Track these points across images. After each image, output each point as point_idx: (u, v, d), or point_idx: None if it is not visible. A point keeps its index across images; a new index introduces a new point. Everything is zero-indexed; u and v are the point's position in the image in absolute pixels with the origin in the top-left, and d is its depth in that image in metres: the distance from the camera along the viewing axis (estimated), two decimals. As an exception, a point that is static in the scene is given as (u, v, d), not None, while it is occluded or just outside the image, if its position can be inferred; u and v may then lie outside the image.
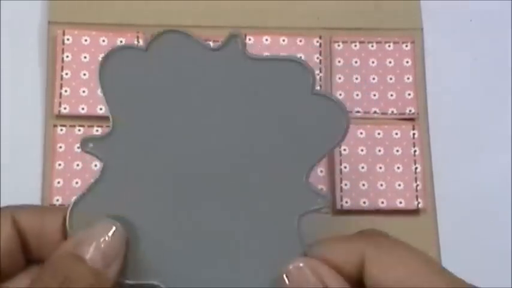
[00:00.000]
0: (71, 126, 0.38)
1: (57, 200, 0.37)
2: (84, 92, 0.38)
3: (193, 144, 0.28)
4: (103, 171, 0.28)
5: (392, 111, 0.39)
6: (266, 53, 0.39)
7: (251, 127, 0.28)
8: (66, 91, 0.38)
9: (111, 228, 0.27)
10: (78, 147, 0.37)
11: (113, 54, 0.28)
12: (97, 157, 0.28)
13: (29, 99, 0.39)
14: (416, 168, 0.39)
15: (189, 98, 0.28)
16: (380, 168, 0.39)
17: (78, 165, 0.37)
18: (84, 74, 0.38)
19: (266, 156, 0.28)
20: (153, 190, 0.28)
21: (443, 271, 0.26)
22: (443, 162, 0.40)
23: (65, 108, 0.38)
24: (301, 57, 0.28)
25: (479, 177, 0.40)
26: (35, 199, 0.37)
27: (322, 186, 0.38)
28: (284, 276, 0.27)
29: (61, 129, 0.38)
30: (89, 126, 0.38)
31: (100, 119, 0.38)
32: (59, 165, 0.37)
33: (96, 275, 0.26)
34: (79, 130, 0.38)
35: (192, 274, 0.28)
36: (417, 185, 0.38)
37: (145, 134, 0.28)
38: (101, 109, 0.38)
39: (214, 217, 0.28)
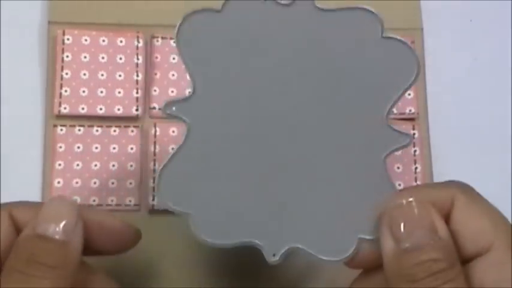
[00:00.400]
0: (71, 126, 0.38)
1: (57, 200, 0.37)
2: (84, 92, 0.38)
3: (272, 99, 0.29)
4: (188, 132, 0.29)
5: (392, 111, 0.39)
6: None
7: (327, 76, 0.29)
8: (66, 91, 0.38)
9: (63, 201, 0.28)
10: (78, 148, 0.38)
11: (188, 18, 0.29)
12: (181, 119, 0.29)
13: (29, 99, 0.39)
14: (416, 168, 0.39)
15: (265, 54, 0.29)
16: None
17: (78, 165, 0.37)
18: (84, 74, 0.38)
19: (344, 102, 0.29)
20: (237, 150, 0.29)
21: None
22: (443, 162, 0.40)
23: (65, 108, 0.38)
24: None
25: (479, 177, 0.40)
26: (35, 199, 0.37)
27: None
28: (398, 212, 0.27)
29: (61, 129, 0.38)
30: (89, 126, 0.38)
31: (100, 118, 0.38)
32: (59, 165, 0.37)
33: (60, 247, 0.27)
34: (79, 130, 0.38)
35: (283, 231, 0.29)
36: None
37: (225, 93, 0.29)
38: (101, 109, 0.38)
39: (300, 170, 0.29)
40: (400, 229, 0.26)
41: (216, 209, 0.29)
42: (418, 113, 0.40)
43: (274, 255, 0.29)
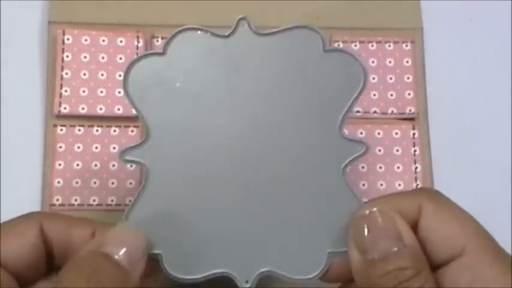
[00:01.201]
0: (71, 126, 0.38)
1: (57, 200, 0.37)
2: (84, 91, 0.38)
3: (228, 130, 0.30)
4: (147, 176, 0.29)
5: (393, 111, 0.39)
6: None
7: (278, 97, 0.30)
8: (66, 91, 0.38)
9: (135, 231, 0.28)
10: (78, 147, 0.38)
11: (132, 66, 0.30)
12: (139, 164, 0.30)
13: (29, 99, 0.39)
14: (416, 168, 0.39)
15: (214, 88, 0.30)
16: (380, 168, 0.39)
17: (78, 165, 0.37)
18: (84, 74, 0.38)
19: (298, 120, 0.30)
20: (198, 183, 0.30)
21: (492, 239, 0.27)
22: (443, 161, 0.40)
23: (65, 108, 0.38)
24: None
25: (479, 177, 0.40)
26: (35, 198, 0.37)
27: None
28: (361, 223, 0.27)
29: (61, 129, 0.38)
30: (89, 126, 0.38)
31: (100, 118, 0.38)
32: (59, 165, 0.37)
33: (123, 273, 0.26)
34: (79, 130, 0.38)
35: (253, 257, 0.29)
36: (417, 185, 0.38)
37: (180, 132, 0.30)
38: (101, 109, 0.38)
39: (264, 194, 0.29)
40: (364, 240, 0.26)
41: (184, 245, 0.29)
42: (418, 113, 0.40)
43: (247, 281, 0.29)
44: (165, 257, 0.29)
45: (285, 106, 0.30)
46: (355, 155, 0.29)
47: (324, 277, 0.29)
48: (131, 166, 0.36)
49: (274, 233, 0.29)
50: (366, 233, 0.26)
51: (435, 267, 0.27)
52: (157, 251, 0.29)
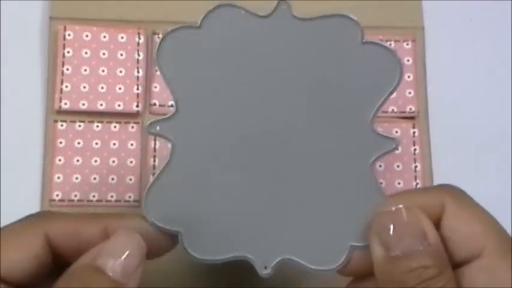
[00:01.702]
0: (71, 121, 0.38)
1: (57, 195, 0.37)
2: (84, 87, 0.38)
3: (258, 112, 0.29)
4: (172, 151, 0.29)
5: (393, 110, 0.39)
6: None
7: (311, 84, 0.29)
8: (66, 87, 0.38)
9: (131, 240, 0.27)
10: (79, 143, 0.38)
11: (167, 37, 0.29)
12: (165, 138, 0.29)
13: (29, 95, 0.39)
14: (416, 166, 0.39)
15: (247, 68, 0.29)
16: (380, 166, 0.39)
17: (78, 160, 0.37)
18: (85, 70, 0.38)
19: (329, 109, 0.29)
20: (223, 163, 0.29)
21: None
22: (443, 160, 0.40)
23: (65, 104, 0.38)
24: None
25: (479, 176, 0.40)
26: (35, 194, 0.37)
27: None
28: (387, 219, 0.26)
29: (61, 125, 0.38)
30: (89, 122, 0.38)
31: (100, 114, 0.38)
32: (59, 160, 0.37)
33: (115, 286, 0.26)
34: (79, 126, 0.38)
35: (273, 243, 0.29)
36: (417, 184, 0.38)
37: (209, 109, 0.29)
38: (101, 105, 0.38)
39: (289, 181, 0.29)
40: (389, 236, 0.26)
41: (205, 225, 0.29)
42: (418, 112, 0.40)
43: (265, 267, 0.29)
44: (185, 235, 0.28)
45: (318, 94, 0.29)
46: (384, 150, 0.29)
47: (342, 270, 0.29)
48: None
49: (297, 221, 0.29)
50: (391, 230, 0.26)
51: (454, 266, 0.26)
52: (177, 229, 0.28)
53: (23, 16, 0.40)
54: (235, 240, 0.29)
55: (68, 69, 0.38)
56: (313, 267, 0.29)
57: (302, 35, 0.29)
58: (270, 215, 0.29)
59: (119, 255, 0.26)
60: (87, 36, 0.39)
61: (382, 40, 0.40)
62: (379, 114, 0.39)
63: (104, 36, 0.39)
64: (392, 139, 0.29)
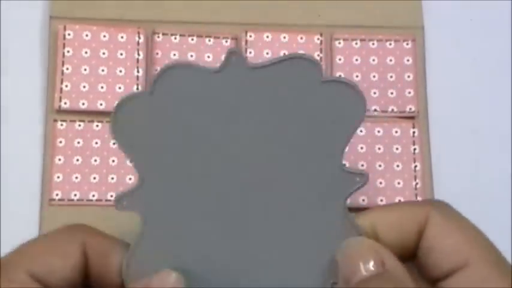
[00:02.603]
0: (71, 121, 0.38)
1: (57, 195, 0.37)
2: (84, 87, 0.38)
3: (224, 167, 0.28)
4: (145, 222, 0.28)
5: (393, 109, 0.39)
6: (267, 52, 0.39)
7: (275, 132, 0.28)
8: (66, 86, 0.38)
9: (170, 277, 0.27)
10: (78, 143, 0.38)
11: (120, 108, 0.28)
12: (134, 211, 0.28)
13: (29, 94, 0.39)
14: (415, 166, 0.39)
15: (206, 127, 0.28)
16: (379, 166, 0.39)
17: (78, 160, 0.37)
18: (85, 69, 0.38)
19: (298, 153, 0.28)
20: (196, 225, 0.28)
21: (497, 251, 0.27)
22: (443, 160, 0.40)
23: (65, 103, 0.38)
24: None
25: (479, 176, 0.40)
26: (35, 193, 0.37)
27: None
28: (338, 256, 0.27)
29: (61, 124, 0.38)
30: (89, 121, 0.38)
31: (100, 114, 0.38)
32: (59, 160, 0.37)
33: None
34: (79, 125, 0.38)
35: (254, 286, 0.29)
36: (416, 183, 0.38)
37: (174, 175, 0.28)
38: (101, 104, 0.38)
39: (265, 228, 0.29)
40: (347, 269, 0.26)
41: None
42: (418, 111, 0.40)
43: None
44: None
45: (283, 140, 0.28)
46: (356, 186, 0.28)
47: None
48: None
49: (277, 265, 0.29)
50: (348, 262, 0.26)
51: (439, 278, 0.27)
52: None
53: (23, 16, 0.40)
54: None
55: (67, 69, 0.38)
56: None
57: (259, 84, 0.28)
58: (250, 271, 0.29)
59: None
60: (87, 35, 0.39)
61: (381, 40, 0.40)
62: (379, 114, 0.39)
63: (104, 36, 0.39)
64: (362, 174, 0.28)
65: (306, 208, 0.28)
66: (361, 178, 0.28)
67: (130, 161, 0.28)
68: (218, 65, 0.28)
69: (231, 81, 0.28)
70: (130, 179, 0.37)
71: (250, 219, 0.28)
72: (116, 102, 0.28)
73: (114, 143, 0.28)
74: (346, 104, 0.28)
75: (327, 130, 0.28)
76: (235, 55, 0.28)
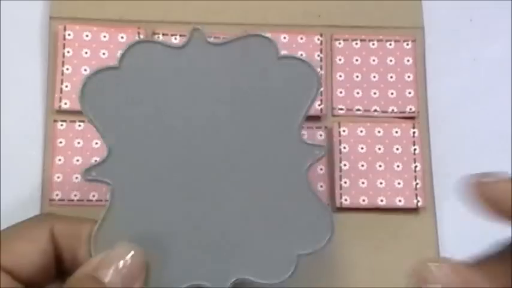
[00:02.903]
0: (71, 121, 0.38)
1: (57, 195, 0.37)
2: (84, 87, 0.38)
3: (188, 139, 0.30)
4: (113, 194, 0.29)
5: (393, 110, 0.39)
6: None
7: (235, 106, 0.30)
8: (66, 86, 0.38)
9: (129, 251, 0.27)
10: (78, 143, 0.38)
11: (88, 81, 0.29)
12: (102, 182, 0.29)
13: (29, 94, 0.39)
14: (416, 166, 0.39)
15: (171, 100, 0.30)
16: (380, 166, 0.39)
17: (78, 160, 0.37)
18: (85, 70, 0.38)
19: (257, 127, 0.30)
20: (163, 196, 0.30)
21: None
22: (443, 161, 0.40)
23: (65, 104, 0.38)
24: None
25: (479, 176, 0.40)
26: (35, 193, 0.37)
27: (322, 184, 0.38)
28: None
29: (61, 125, 0.38)
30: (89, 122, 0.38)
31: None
32: (59, 160, 0.37)
33: None
34: (79, 125, 0.38)
35: (225, 266, 0.30)
36: (417, 184, 0.38)
37: (140, 146, 0.30)
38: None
39: (230, 202, 0.30)
40: None
41: (157, 259, 0.29)
42: (418, 112, 0.40)
43: None
44: None
45: (243, 114, 0.30)
46: (314, 157, 0.30)
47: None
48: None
49: (244, 241, 0.30)
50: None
51: None
52: None
53: (23, 16, 0.40)
54: (188, 270, 0.29)
55: (68, 69, 0.38)
56: (265, 281, 0.30)
57: (220, 60, 0.30)
58: (217, 239, 0.30)
59: (118, 266, 0.27)
60: (87, 36, 0.39)
61: (381, 40, 0.40)
62: (380, 114, 0.39)
63: (104, 36, 0.39)
64: (320, 146, 0.30)
65: (269, 180, 0.30)
66: (320, 150, 0.30)
67: (99, 133, 0.29)
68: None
69: (193, 56, 0.30)
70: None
71: (214, 192, 0.30)
72: (85, 76, 0.29)
73: (84, 117, 0.29)
74: (301, 79, 0.30)
75: (284, 104, 0.30)
76: (197, 32, 0.30)
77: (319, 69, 0.39)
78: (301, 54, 0.39)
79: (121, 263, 0.27)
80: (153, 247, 0.29)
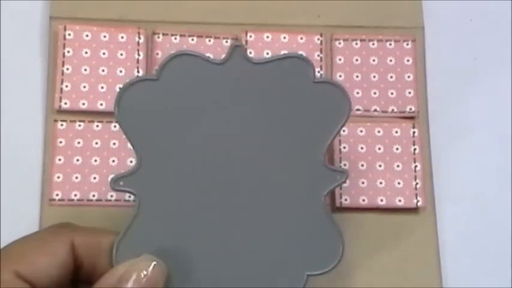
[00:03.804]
0: (71, 121, 0.38)
1: (57, 195, 0.37)
2: (84, 87, 0.38)
3: (218, 158, 0.30)
4: (139, 205, 0.30)
5: (393, 110, 0.39)
6: (267, 52, 0.39)
7: (266, 125, 0.31)
8: (67, 86, 0.38)
9: (151, 263, 0.28)
10: (78, 143, 0.38)
11: (126, 91, 0.29)
12: (130, 193, 0.30)
13: (29, 94, 0.39)
14: (416, 166, 0.39)
15: (206, 114, 0.30)
16: (380, 166, 0.39)
17: (78, 160, 0.37)
18: (85, 70, 0.38)
19: (284, 148, 0.31)
20: (186, 211, 0.30)
21: None
22: (443, 160, 0.40)
23: (65, 103, 0.38)
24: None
25: (479, 176, 0.40)
26: (35, 193, 0.37)
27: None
28: None
29: (61, 124, 0.38)
30: (89, 122, 0.38)
31: (100, 114, 0.38)
32: (59, 160, 0.37)
33: None
34: (79, 125, 0.38)
35: (240, 280, 0.30)
36: (416, 184, 0.38)
37: (171, 161, 0.30)
38: (101, 104, 0.38)
39: (251, 221, 0.30)
40: None
41: (176, 274, 0.29)
42: (418, 112, 0.40)
43: None
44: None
45: (272, 133, 0.30)
46: (335, 183, 0.31)
47: None
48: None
49: (257, 258, 0.30)
50: None
51: None
52: None
53: (23, 16, 0.40)
54: (206, 281, 0.30)
55: (68, 69, 0.38)
56: None
57: (257, 78, 0.30)
58: (234, 256, 0.30)
59: (139, 278, 0.27)
60: (87, 35, 0.39)
61: (381, 40, 0.40)
62: (380, 114, 0.39)
63: (104, 36, 0.39)
64: (342, 172, 0.31)
65: (288, 201, 0.30)
66: (341, 176, 0.31)
67: (131, 144, 0.30)
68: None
69: (232, 73, 0.30)
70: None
71: (236, 208, 0.30)
72: (121, 84, 0.29)
73: (116, 126, 0.30)
74: (333, 104, 0.30)
75: (313, 127, 0.31)
76: (238, 49, 0.30)
77: (319, 69, 0.39)
78: (301, 54, 0.39)
79: (142, 274, 0.27)
80: (175, 259, 0.29)
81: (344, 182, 0.31)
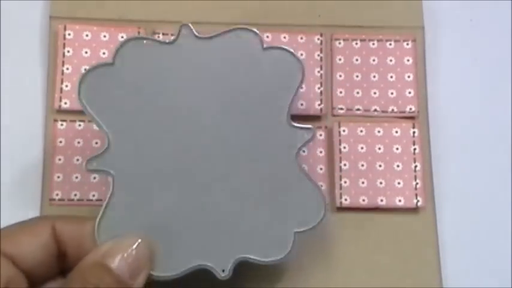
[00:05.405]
0: (71, 121, 0.38)
1: (57, 195, 0.37)
2: (84, 87, 0.38)
3: (183, 131, 0.32)
4: (114, 183, 0.31)
5: (393, 110, 0.39)
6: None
7: (226, 96, 0.32)
8: (66, 86, 0.38)
9: (136, 240, 0.29)
10: (78, 143, 0.38)
11: (85, 77, 0.31)
12: (104, 172, 0.31)
13: (29, 94, 0.39)
14: (416, 166, 0.39)
15: (164, 93, 0.32)
16: (380, 166, 0.39)
17: (78, 159, 0.37)
18: (85, 69, 0.38)
19: (248, 115, 0.32)
20: (161, 184, 0.31)
21: None
22: (443, 160, 0.40)
23: (65, 103, 0.38)
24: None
25: (479, 176, 0.40)
26: (35, 193, 0.37)
27: (322, 183, 0.38)
28: None
29: (61, 124, 0.38)
30: (89, 121, 0.38)
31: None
32: (59, 159, 0.37)
33: (122, 286, 0.27)
34: (79, 125, 0.38)
35: (225, 246, 0.31)
36: (417, 183, 0.38)
37: (137, 138, 0.31)
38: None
39: (227, 187, 0.31)
40: None
41: (158, 244, 0.30)
42: (418, 112, 0.40)
43: (223, 270, 0.31)
44: None
45: (234, 103, 0.32)
46: (304, 140, 0.32)
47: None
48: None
49: (241, 222, 0.31)
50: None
51: None
52: None
53: (23, 16, 0.40)
54: (190, 252, 0.31)
55: (68, 69, 0.38)
56: (265, 259, 0.31)
57: (208, 53, 0.32)
58: (217, 220, 0.31)
59: (125, 255, 0.28)
60: (87, 35, 0.39)
61: (381, 40, 0.40)
62: (380, 114, 0.39)
63: (104, 36, 0.39)
64: (309, 128, 0.32)
65: (262, 163, 0.32)
66: (308, 132, 0.32)
67: (98, 126, 0.31)
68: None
69: (184, 50, 0.32)
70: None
71: (211, 177, 0.32)
72: (81, 73, 0.32)
73: (84, 112, 0.31)
74: (286, 67, 0.32)
75: (271, 91, 0.32)
76: (186, 27, 0.32)
77: (319, 69, 0.39)
78: (301, 54, 0.39)
79: (128, 251, 0.28)
80: (155, 233, 0.30)
81: (312, 138, 0.32)
